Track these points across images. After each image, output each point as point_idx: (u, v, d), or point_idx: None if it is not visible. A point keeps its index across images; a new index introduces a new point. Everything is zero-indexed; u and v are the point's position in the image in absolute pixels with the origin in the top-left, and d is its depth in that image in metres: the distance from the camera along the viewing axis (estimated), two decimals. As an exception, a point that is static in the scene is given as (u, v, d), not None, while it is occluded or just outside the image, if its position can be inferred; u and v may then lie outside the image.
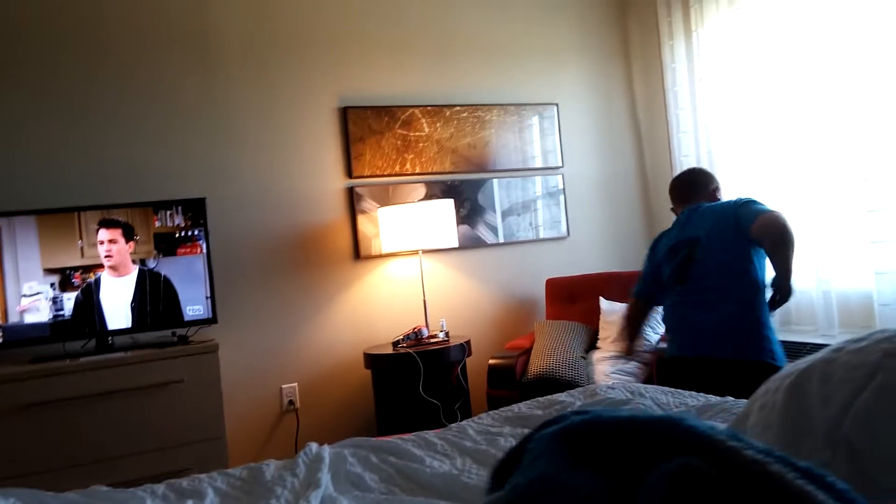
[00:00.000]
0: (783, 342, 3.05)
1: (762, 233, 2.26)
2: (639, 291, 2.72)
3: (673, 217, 2.78)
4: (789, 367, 1.05)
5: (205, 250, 3.01)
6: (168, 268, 2.97)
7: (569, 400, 1.86)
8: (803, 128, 3.16)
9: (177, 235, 2.98)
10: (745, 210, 2.37)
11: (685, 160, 3.82)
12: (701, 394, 1.90)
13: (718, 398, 1.79)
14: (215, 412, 2.78)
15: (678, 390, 1.96)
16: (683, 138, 3.83)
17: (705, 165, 3.70)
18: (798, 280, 3.29)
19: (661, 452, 0.55)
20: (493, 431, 1.72)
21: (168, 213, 3.00)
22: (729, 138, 3.56)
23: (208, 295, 3.01)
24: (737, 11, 3.44)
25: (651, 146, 4.22)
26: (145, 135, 3.20)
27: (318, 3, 3.57)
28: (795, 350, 2.99)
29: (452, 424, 1.84)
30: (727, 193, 3.59)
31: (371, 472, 1.51)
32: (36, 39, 3.05)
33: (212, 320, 3.01)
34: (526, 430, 1.69)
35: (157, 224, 2.97)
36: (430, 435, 1.73)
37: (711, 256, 2.40)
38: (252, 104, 3.41)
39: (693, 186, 2.66)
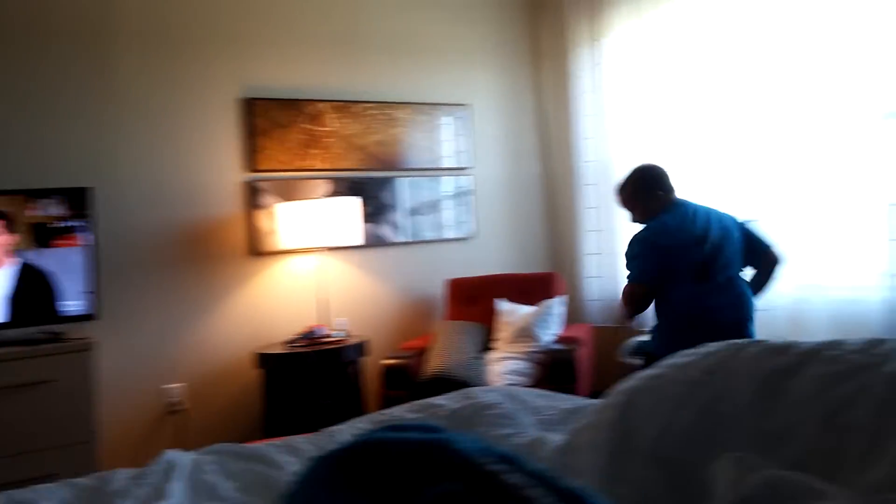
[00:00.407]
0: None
1: (769, 264, 2.61)
2: (651, 279, 2.59)
3: (616, 207, 3.03)
4: (624, 384, 1.06)
5: (87, 242, 2.85)
6: (47, 260, 2.80)
7: (445, 403, 1.85)
8: (699, 137, 3.28)
9: (52, 226, 2.81)
10: (757, 233, 2.65)
11: (587, 166, 3.91)
12: (576, 397, 1.93)
13: (588, 401, 1.82)
14: (87, 414, 2.64)
15: (555, 393, 1.99)
16: (585, 144, 3.91)
17: (605, 172, 3.79)
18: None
19: (429, 476, 0.55)
20: (365, 436, 1.69)
21: (49, 202, 2.83)
22: (629, 146, 3.65)
23: (90, 290, 2.86)
24: (641, 22, 3.53)
25: (558, 151, 4.28)
26: (31, 120, 3.01)
27: (219, -11, 3.45)
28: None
29: (326, 429, 1.81)
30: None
31: (231, 481, 1.45)
32: None
33: (91, 316, 2.86)
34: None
35: (37, 213, 2.80)
36: (300, 440, 1.69)
37: (729, 261, 2.56)
38: (149, 90, 3.26)
39: (669, 179, 2.73)
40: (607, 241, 3.79)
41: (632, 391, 0.99)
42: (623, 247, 3.57)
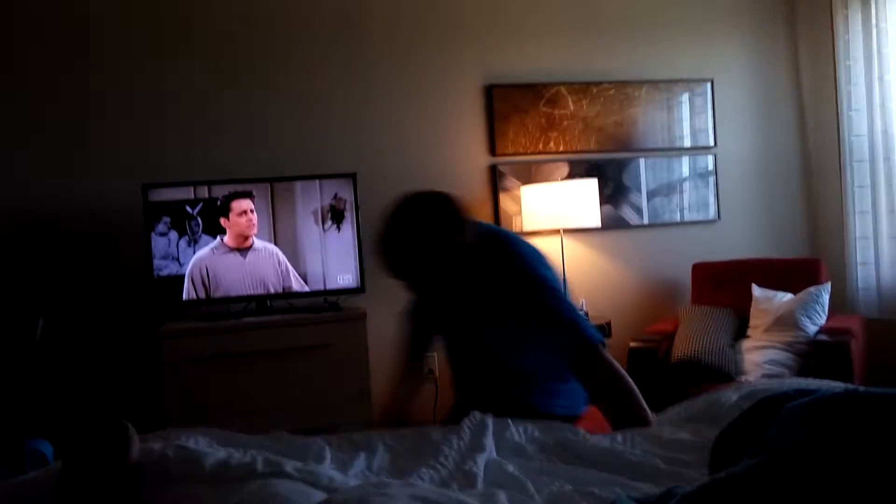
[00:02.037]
0: None
1: None
2: None
3: None
4: None
5: (354, 223, 3.12)
6: (328, 240, 3.10)
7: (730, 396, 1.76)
8: None
9: (326, 209, 3.11)
10: None
11: (856, 140, 3.53)
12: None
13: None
14: (363, 376, 2.90)
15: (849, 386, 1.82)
16: (855, 116, 3.53)
17: (879, 148, 3.40)
18: None
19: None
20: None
21: (321, 188, 3.12)
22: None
23: (357, 265, 3.13)
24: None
25: (817, 125, 3.92)
26: (302, 113, 3.37)
27: (468, -20, 3.59)
28: None
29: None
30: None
31: (530, 443, 1.52)
32: (170, 34, 3.27)
33: (360, 289, 3.14)
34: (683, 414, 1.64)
35: (313, 198, 3.11)
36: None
37: None
38: (400, 83, 3.49)
39: None
40: (881, 224, 3.40)
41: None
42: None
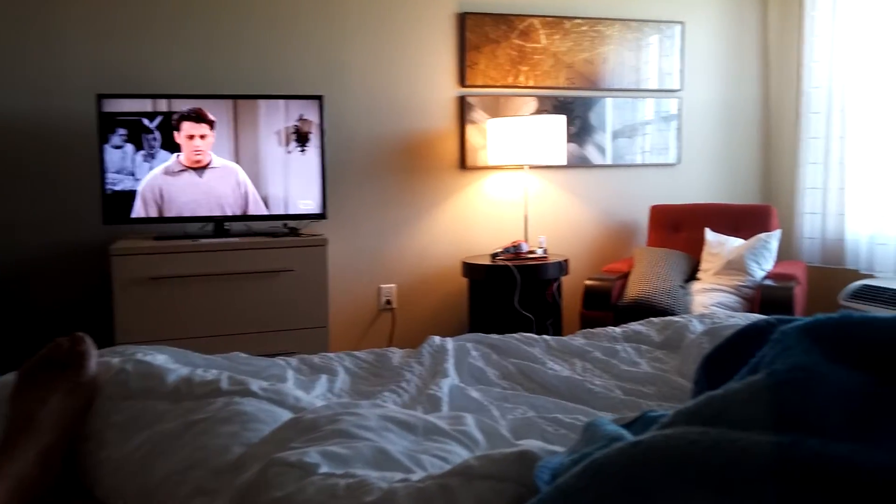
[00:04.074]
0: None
1: None
2: None
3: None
4: None
5: (319, 147, 3.04)
6: (290, 162, 3.03)
7: (683, 321, 1.83)
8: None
9: (290, 131, 3.02)
10: None
11: (814, 92, 3.58)
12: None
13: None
14: (321, 303, 2.89)
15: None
16: (815, 68, 3.57)
17: (837, 100, 3.46)
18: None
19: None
20: (609, 345, 1.72)
21: (287, 109, 3.02)
22: (866, 71, 3.30)
23: (320, 190, 3.07)
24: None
25: (779, 74, 3.96)
26: (267, 28, 3.23)
27: None
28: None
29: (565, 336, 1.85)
30: (859, 140, 3.36)
31: (492, 368, 1.54)
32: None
33: (322, 216, 3.09)
34: (643, 346, 1.69)
35: (276, 118, 3.01)
36: (547, 336, 1.74)
37: None
38: (371, 5, 3.36)
39: None
40: (831, 176, 3.50)
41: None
42: (850, 182, 3.33)
